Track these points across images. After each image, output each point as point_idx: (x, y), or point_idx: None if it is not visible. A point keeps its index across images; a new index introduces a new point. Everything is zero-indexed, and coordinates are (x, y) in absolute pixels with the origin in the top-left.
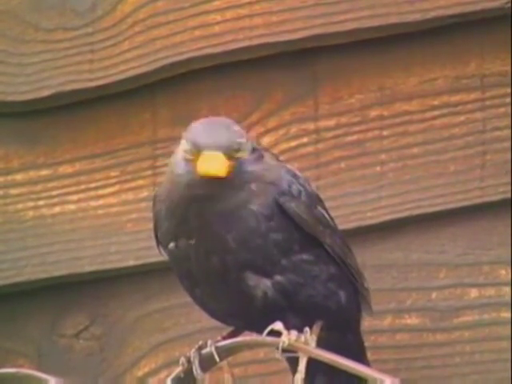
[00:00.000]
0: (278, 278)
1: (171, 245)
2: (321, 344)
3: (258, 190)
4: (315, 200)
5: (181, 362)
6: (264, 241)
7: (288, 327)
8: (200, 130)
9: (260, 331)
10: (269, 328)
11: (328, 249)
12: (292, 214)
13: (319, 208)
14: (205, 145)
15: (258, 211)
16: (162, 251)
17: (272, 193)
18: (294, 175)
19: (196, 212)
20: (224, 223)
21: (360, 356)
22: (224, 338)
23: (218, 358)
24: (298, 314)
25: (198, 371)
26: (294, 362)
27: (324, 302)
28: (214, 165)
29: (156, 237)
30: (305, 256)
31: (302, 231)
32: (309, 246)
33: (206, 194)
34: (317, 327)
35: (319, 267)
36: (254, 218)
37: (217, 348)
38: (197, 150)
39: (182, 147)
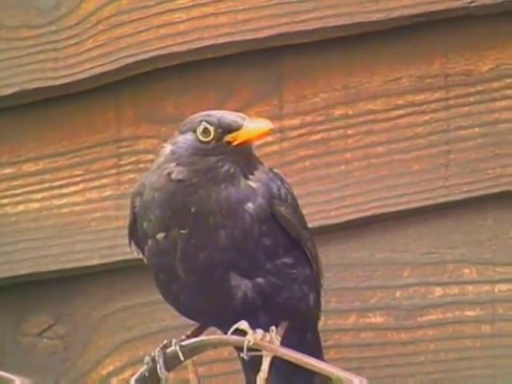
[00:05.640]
0: (260, 280)
1: (160, 235)
2: (282, 343)
3: (257, 191)
4: (297, 202)
5: (145, 361)
6: (255, 245)
7: (253, 326)
8: (217, 112)
9: (228, 330)
10: (234, 327)
11: (307, 252)
12: (281, 219)
13: (299, 210)
14: (239, 119)
15: (255, 213)
16: (134, 246)
17: (266, 197)
18: (281, 179)
19: (199, 198)
20: (221, 216)
21: (318, 353)
22: (188, 337)
23: (182, 357)
24: (269, 315)
25: (163, 370)
26: (254, 363)
27: (297, 303)
28: (263, 123)
29: (130, 230)
30: (286, 259)
31: (288, 235)
32: (291, 250)
33: (220, 173)
34: (282, 327)
35: (298, 270)
36: (249, 219)
37: (181, 347)
38: (235, 125)
39: (191, 134)
